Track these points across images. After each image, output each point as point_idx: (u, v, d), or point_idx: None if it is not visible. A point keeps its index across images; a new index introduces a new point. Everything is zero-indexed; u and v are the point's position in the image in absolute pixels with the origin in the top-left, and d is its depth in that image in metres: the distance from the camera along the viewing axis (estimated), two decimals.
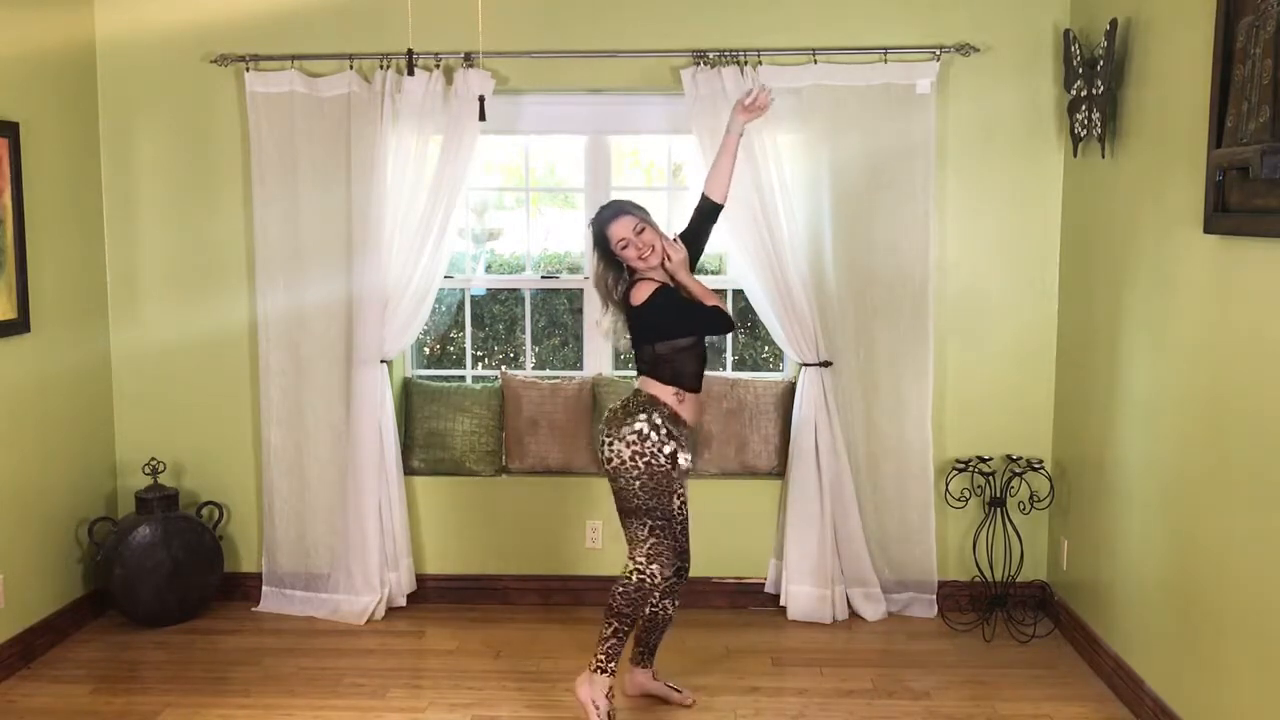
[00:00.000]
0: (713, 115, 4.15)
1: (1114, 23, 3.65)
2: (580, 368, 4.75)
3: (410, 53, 3.06)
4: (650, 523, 3.36)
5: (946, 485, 4.40)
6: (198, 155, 4.45)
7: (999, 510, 4.31)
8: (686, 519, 3.58)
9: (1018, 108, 4.26)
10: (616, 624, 3.37)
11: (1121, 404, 3.71)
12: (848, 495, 4.33)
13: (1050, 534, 4.41)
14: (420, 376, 4.76)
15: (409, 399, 4.63)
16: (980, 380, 4.40)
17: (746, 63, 4.16)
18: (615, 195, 4.48)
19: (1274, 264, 2.76)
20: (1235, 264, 2.96)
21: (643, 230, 3.38)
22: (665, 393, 3.37)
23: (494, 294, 4.98)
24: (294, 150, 4.31)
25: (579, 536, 4.55)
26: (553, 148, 4.86)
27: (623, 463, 3.33)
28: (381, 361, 4.34)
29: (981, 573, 4.36)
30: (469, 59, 4.20)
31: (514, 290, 4.88)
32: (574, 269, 4.76)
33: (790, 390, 4.48)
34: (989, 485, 4.32)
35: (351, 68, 4.26)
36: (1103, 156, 3.81)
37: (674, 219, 4.39)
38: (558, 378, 4.62)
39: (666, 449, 3.33)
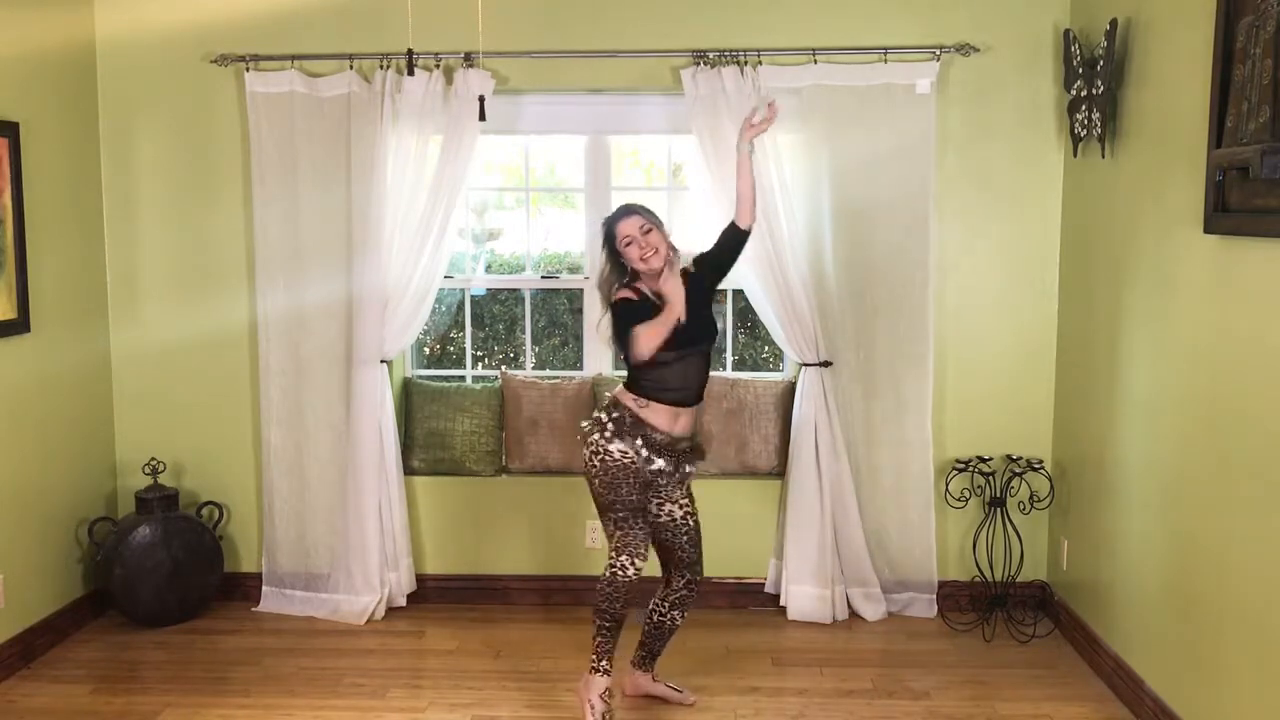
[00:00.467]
0: (713, 115, 4.15)
1: (1114, 23, 3.65)
2: (580, 368, 4.75)
3: (410, 53, 3.07)
4: (614, 515, 3.44)
5: (946, 485, 4.40)
6: (198, 155, 4.45)
7: (999, 510, 4.31)
8: (690, 528, 3.55)
9: (1018, 108, 4.26)
10: (599, 620, 3.43)
11: (1121, 404, 3.71)
12: (848, 495, 4.33)
13: (1050, 534, 4.41)
14: (420, 376, 4.76)
15: (409, 399, 4.63)
16: (980, 380, 4.40)
17: (746, 63, 4.16)
18: (615, 195, 4.51)
19: (1274, 264, 2.76)
20: (1235, 264, 2.96)
21: (649, 231, 3.40)
22: (627, 396, 3.44)
23: (494, 294, 4.98)
24: (294, 150, 4.32)
25: (579, 536, 4.55)
26: (553, 148, 4.86)
27: (583, 462, 3.46)
28: (381, 361, 4.34)
29: (981, 573, 4.36)
30: (469, 59, 4.20)
31: (514, 290, 4.88)
32: (574, 269, 4.76)
33: (790, 390, 4.48)
34: (989, 485, 4.32)
35: (351, 68, 4.26)
36: (1103, 156, 3.81)
37: (674, 219, 4.39)
38: (558, 378, 4.62)
39: (613, 446, 3.38)
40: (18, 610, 3.96)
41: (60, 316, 4.19)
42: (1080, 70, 3.86)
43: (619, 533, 3.44)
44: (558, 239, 4.99)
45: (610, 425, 3.40)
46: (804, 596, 4.36)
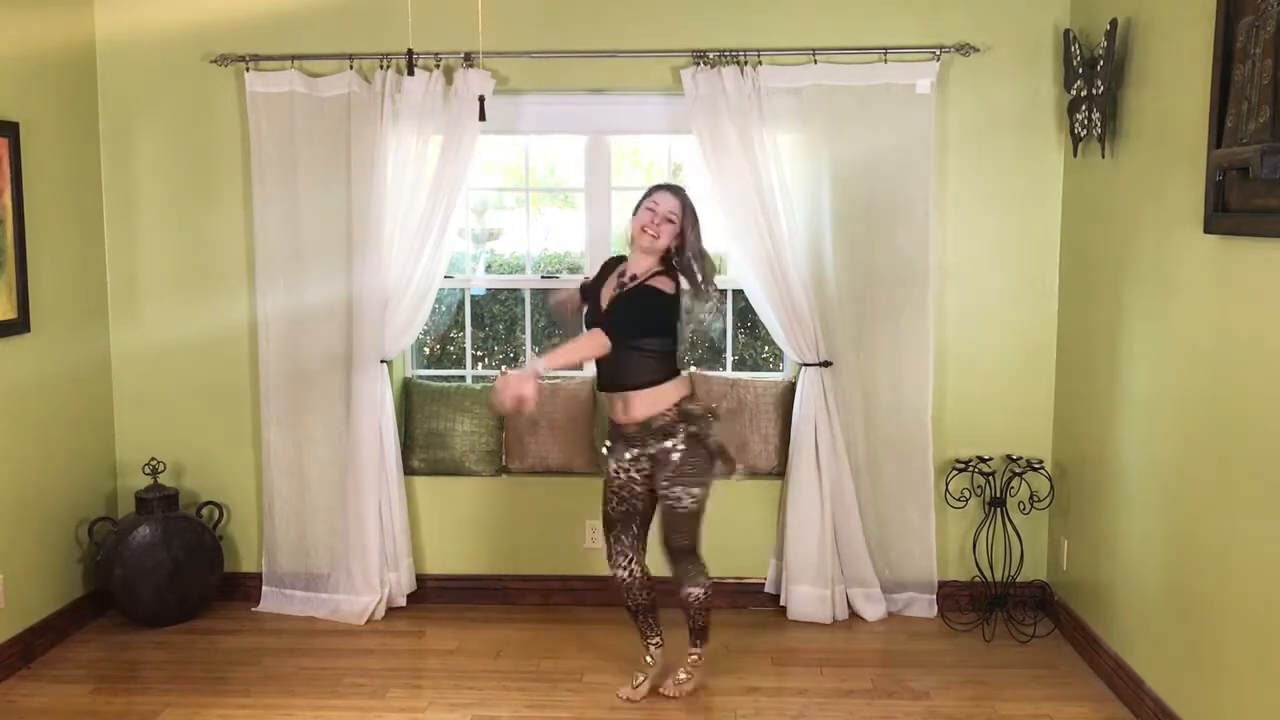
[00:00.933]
0: (713, 115, 4.15)
1: (1114, 23, 3.65)
2: (580, 367, 4.75)
3: (410, 53, 3.07)
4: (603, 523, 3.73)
5: (946, 485, 4.40)
6: (198, 155, 4.45)
7: (999, 510, 4.31)
8: (673, 512, 3.51)
9: (1018, 108, 4.26)
10: (628, 614, 3.76)
11: (1121, 404, 3.71)
12: (848, 495, 4.33)
13: (1050, 534, 4.41)
14: (420, 376, 4.76)
15: (409, 399, 4.63)
16: (980, 380, 4.40)
17: (746, 63, 4.16)
18: (615, 195, 4.53)
19: (1274, 264, 2.76)
20: (1235, 264, 2.96)
21: (673, 220, 3.45)
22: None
23: (494, 294, 4.98)
24: (294, 150, 4.31)
25: (579, 536, 4.55)
26: (553, 148, 4.86)
27: None
28: (381, 361, 4.34)
29: (981, 573, 4.36)
30: (469, 59, 4.20)
31: (514, 290, 4.88)
32: (574, 269, 4.75)
33: (790, 390, 4.48)
34: (989, 485, 4.32)
35: (351, 68, 4.26)
36: (1103, 156, 3.81)
37: None
38: (558, 378, 4.62)
39: (603, 451, 3.66)
40: (18, 610, 3.96)
41: (60, 316, 4.19)
42: (1080, 70, 3.86)
43: (605, 541, 3.70)
44: (558, 239, 4.99)
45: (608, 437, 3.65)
46: (804, 596, 4.35)
